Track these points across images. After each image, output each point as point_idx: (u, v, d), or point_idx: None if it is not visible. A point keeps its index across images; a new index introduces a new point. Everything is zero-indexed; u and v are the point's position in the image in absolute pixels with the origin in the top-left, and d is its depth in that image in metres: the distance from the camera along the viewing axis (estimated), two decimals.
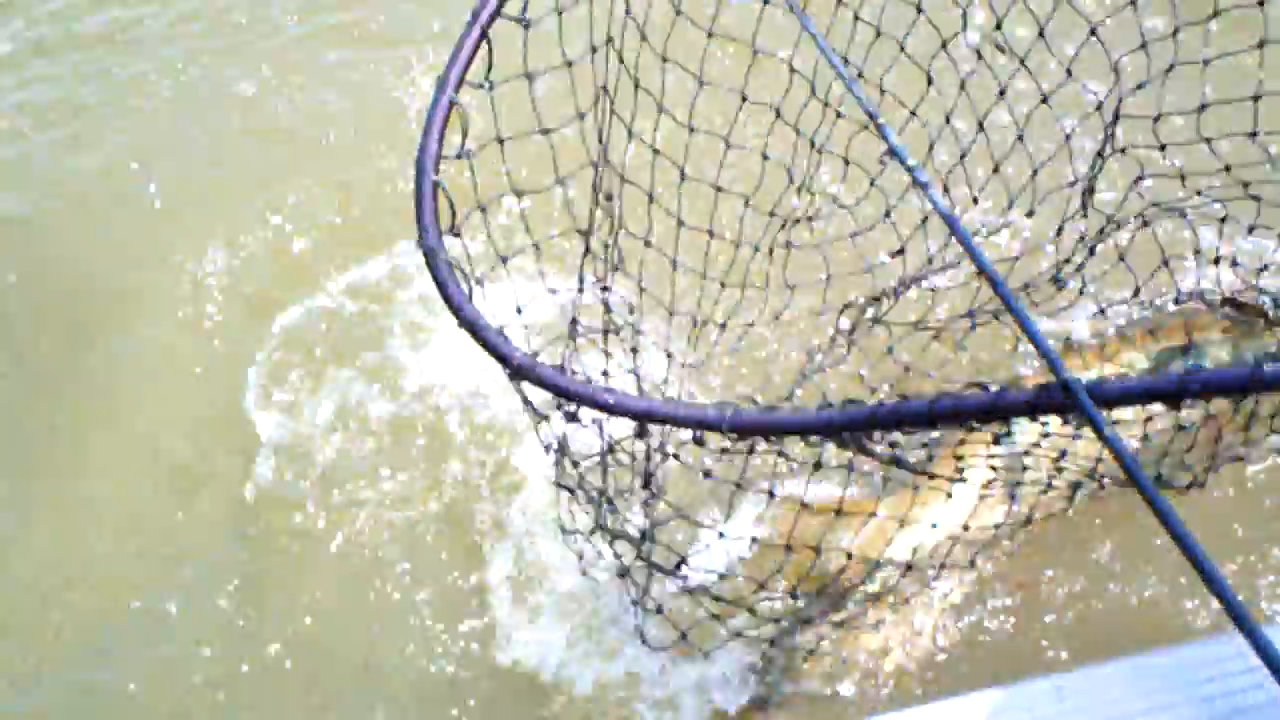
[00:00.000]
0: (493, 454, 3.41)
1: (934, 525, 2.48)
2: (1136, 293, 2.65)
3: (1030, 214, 2.60)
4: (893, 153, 1.71)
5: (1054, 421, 1.77)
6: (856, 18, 2.34)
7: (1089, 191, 2.52)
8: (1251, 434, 2.50)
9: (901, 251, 2.57)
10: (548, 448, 2.03)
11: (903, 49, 2.28)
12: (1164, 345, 2.82)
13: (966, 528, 2.43)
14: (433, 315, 3.79)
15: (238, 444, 3.56)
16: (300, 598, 3.22)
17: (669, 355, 2.57)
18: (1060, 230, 2.61)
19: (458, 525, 3.29)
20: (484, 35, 1.80)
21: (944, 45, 2.30)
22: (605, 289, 2.24)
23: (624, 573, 2.25)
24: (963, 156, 2.47)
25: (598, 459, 2.04)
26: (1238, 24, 2.10)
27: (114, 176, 4.41)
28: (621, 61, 2.04)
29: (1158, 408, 1.99)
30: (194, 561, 3.35)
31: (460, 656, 3.05)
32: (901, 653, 2.77)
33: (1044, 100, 2.32)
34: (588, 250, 2.14)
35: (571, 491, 2.11)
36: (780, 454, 1.58)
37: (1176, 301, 2.76)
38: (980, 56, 2.32)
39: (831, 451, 1.61)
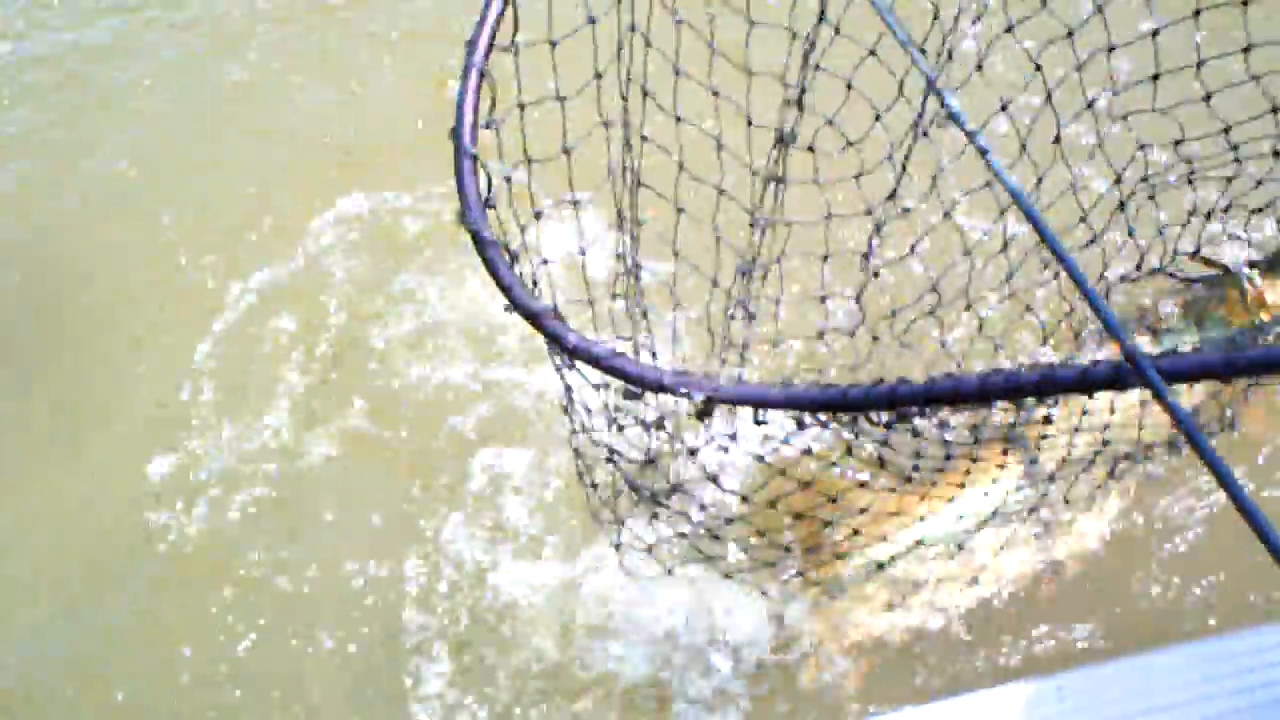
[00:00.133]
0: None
1: (961, 516, 2.48)
2: (1140, 264, 2.64)
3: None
4: (952, 118, 1.67)
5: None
6: None
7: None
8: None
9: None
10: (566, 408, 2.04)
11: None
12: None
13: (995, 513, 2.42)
14: (422, 315, 3.81)
15: (235, 445, 3.57)
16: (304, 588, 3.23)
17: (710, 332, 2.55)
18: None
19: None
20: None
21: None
22: (636, 267, 2.22)
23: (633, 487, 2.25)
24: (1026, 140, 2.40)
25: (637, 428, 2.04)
26: None
27: (114, 178, 4.42)
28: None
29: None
30: (193, 561, 3.35)
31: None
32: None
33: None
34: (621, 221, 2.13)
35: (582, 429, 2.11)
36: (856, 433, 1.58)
37: (1154, 271, 2.76)
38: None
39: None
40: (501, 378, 3.63)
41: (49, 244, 4.26)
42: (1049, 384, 1.24)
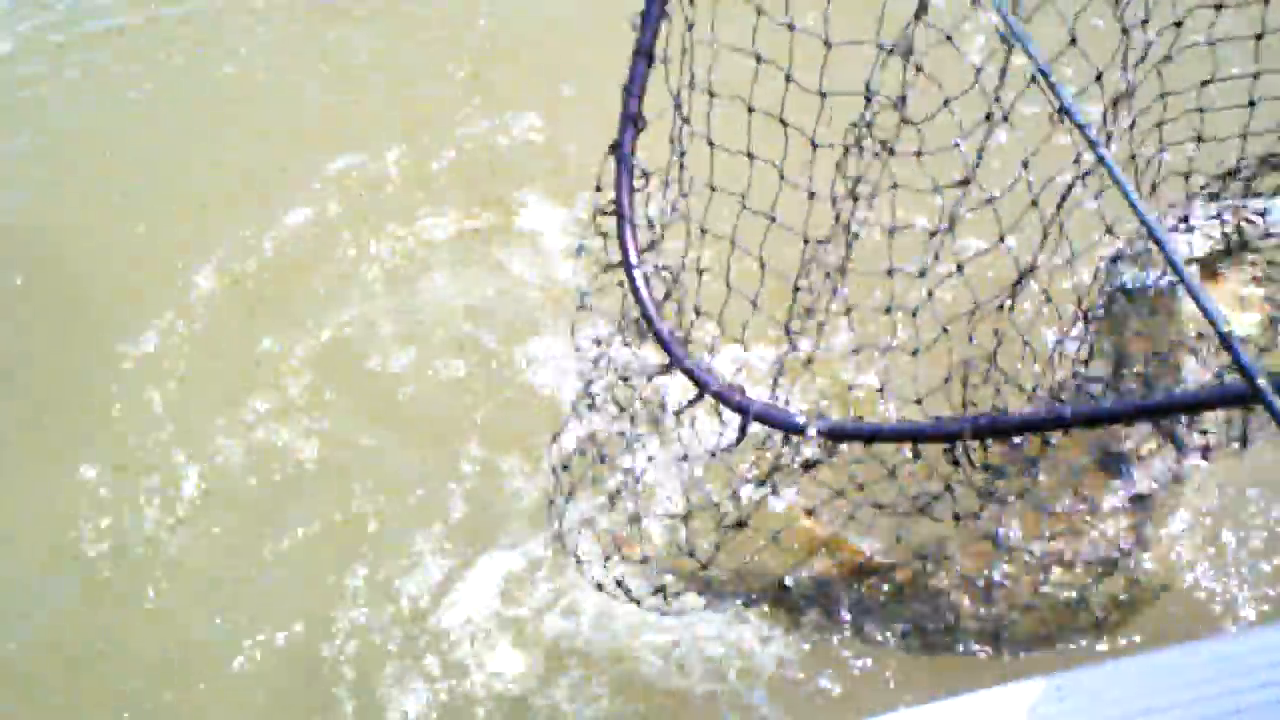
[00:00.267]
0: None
1: None
2: (1186, 220, 2.62)
3: None
4: (1064, 111, 1.68)
5: None
6: None
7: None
8: None
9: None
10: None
11: None
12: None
13: None
14: (413, 321, 3.81)
15: (230, 446, 3.57)
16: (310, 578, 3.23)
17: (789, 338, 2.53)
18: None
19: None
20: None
21: None
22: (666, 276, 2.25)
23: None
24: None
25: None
26: None
27: (113, 178, 4.42)
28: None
29: None
30: (187, 559, 3.35)
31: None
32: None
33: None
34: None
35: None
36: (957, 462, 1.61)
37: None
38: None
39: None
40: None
41: (48, 246, 4.27)
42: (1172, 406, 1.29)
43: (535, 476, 3.36)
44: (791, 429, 1.71)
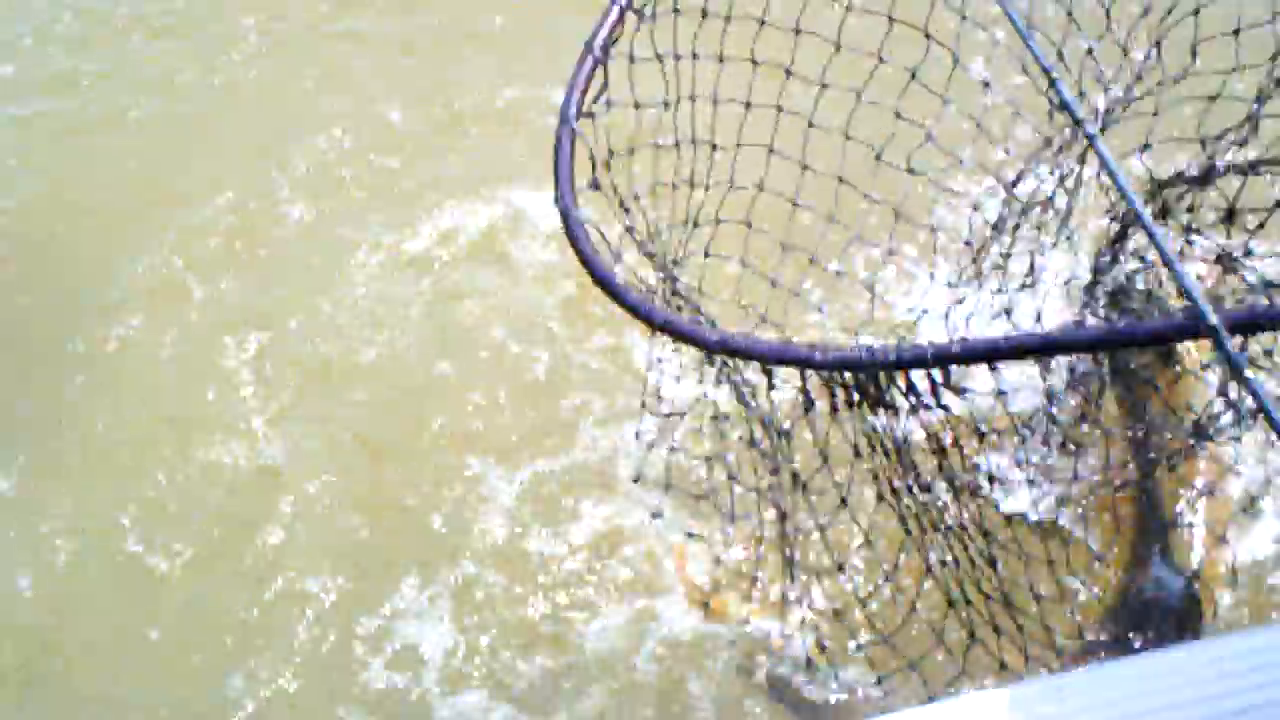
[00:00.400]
0: None
1: None
2: (1230, 214, 2.63)
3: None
4: (1065, 107, 1.70)
5: None
6: None
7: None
8: None
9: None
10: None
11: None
12: None
13: None
14: (388, 324, 3.80)
15: (224, 444, 3.56)
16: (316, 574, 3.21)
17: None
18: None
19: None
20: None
21: None
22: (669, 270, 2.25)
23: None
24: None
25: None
26: None
27: (112, 178, 4.41)
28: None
29: None
30: (182, 559, 3.33)
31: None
32: None
33: None
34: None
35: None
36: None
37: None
38: None
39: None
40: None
41: (45, 244, 4.26)
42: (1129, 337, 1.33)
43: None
44: (700, 343, 1.61)
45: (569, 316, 3.71)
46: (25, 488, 3.59)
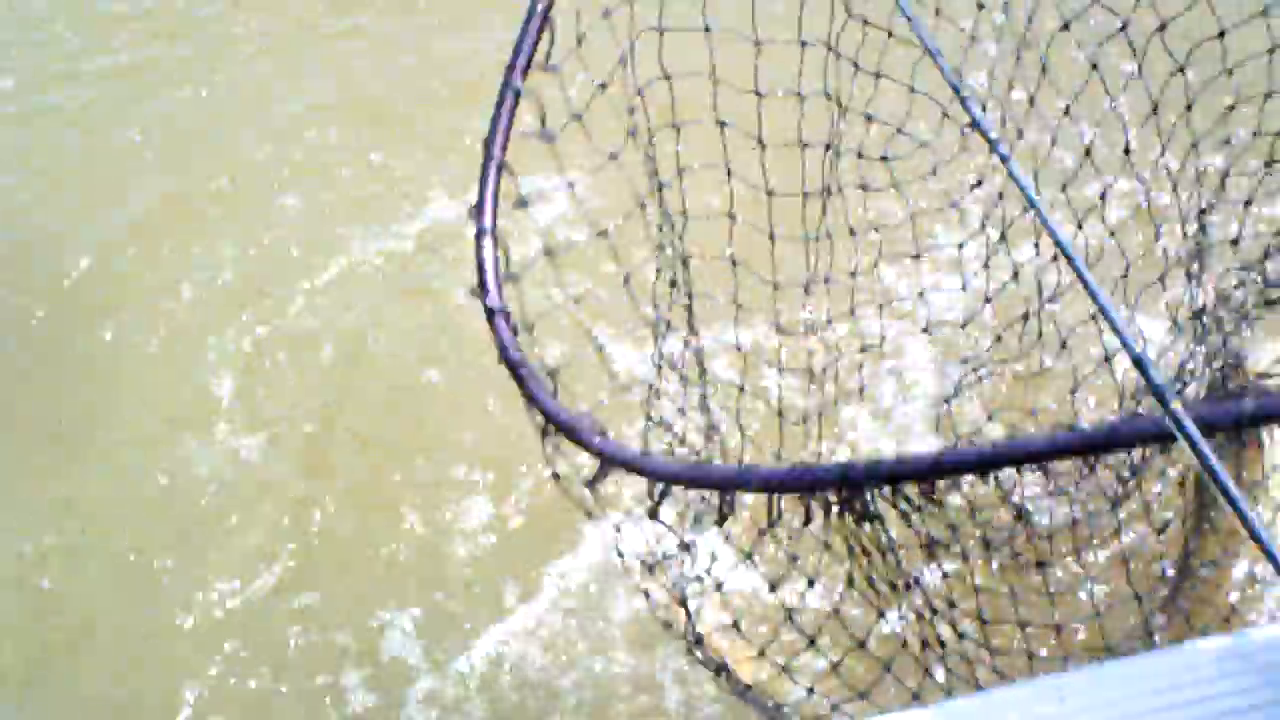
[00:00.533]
0: None
1: None
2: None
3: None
4: (975, 125, 1.66)
5: None
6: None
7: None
8: None
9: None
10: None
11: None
12: None
13: None
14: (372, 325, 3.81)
15: (219, 442, 3.57)
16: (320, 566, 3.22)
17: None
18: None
19: None
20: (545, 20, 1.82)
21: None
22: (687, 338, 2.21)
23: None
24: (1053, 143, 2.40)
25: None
26: None
27: (112, 178, 4.41)
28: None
29: None
30: (182, 559, 3.33)
31: None
32: None
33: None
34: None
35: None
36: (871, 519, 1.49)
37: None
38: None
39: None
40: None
41: (43, 242, 4.26)
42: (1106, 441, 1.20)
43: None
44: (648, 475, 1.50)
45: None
46: (25, 487, 3.59)
